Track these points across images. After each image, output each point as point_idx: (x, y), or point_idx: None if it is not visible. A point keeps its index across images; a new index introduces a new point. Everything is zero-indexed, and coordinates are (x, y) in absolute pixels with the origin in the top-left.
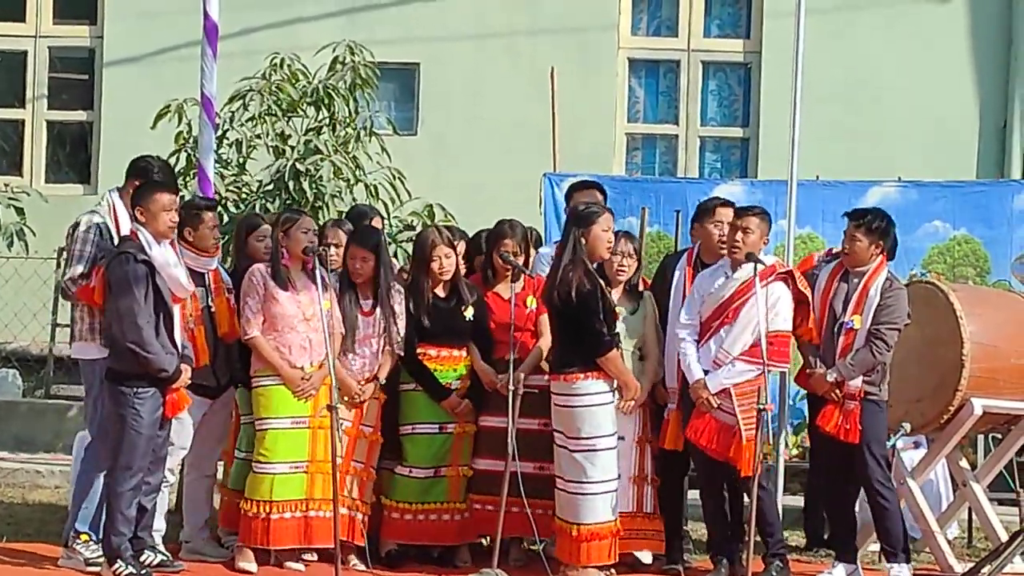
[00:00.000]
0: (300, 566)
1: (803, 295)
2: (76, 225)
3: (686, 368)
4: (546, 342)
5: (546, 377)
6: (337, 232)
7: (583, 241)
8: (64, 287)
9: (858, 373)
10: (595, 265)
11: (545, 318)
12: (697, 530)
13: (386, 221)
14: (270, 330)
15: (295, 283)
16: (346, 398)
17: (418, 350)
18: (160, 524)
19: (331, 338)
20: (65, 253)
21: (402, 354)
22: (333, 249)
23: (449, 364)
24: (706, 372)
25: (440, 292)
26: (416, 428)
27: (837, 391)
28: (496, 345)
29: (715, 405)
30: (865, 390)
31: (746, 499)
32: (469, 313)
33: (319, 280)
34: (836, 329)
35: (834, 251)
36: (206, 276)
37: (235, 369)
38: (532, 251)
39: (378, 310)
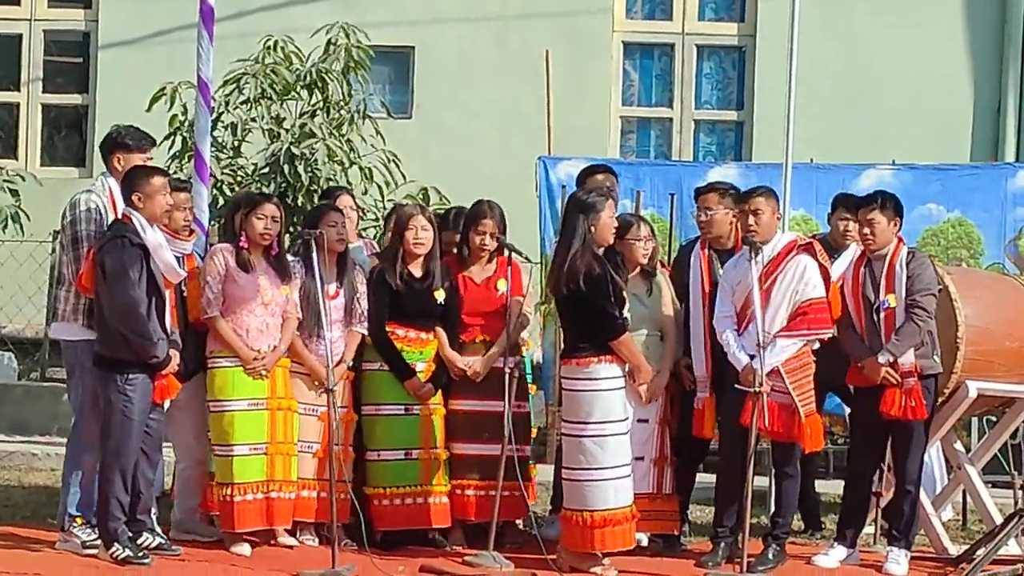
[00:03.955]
0: (292, 540)
1: (824, 268)
2: (74, 205)
3: (732, 357)
4: (513, 323)
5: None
6: (345, 198)
7: (593, 229)
8: (76, 282)
9: (908, 347)
10: (602, 250)
11: (517, 300)
12: (694, 512)
13: (379, 203)
14: (228, 312)
15: (256, 267)
16: (316, 383)
17: (387, 328)
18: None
19: (287, 323)
20: (66, 234)
21: (365, 332)
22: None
23: (416, 346)
24: (752, 356)
25: (415, 272)
26: (380, 409)
27: (893, 373)
28: (465, 328)
29: (769, 387)
30: (919, 365)
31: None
32: (440, 295)
33: (315, 265)
34: (874, 314)
35: (817, 237)
36: (181, 260)
37: (204, 354)
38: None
39: (342, 292)
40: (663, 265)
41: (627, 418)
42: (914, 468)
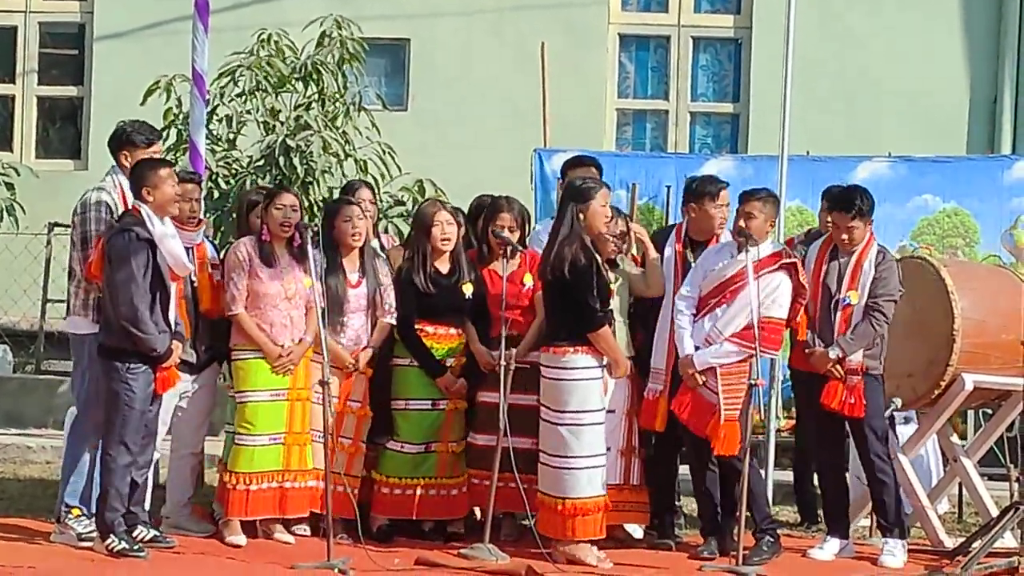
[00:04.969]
0: (289, 537)
1: (801, 290)
2: (85, 204)
3: (679, 340)
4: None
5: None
6: (364, 191)
7: (581, 217)
8: (85, 270)
9: (859, 347)
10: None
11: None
12: (688, 504)
13: (376, 196)
14: (252, 307)
15: (279, 260)
16: (339, 370)
17: (416, 326)
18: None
19: (311, 313)
20: (76, 231)
21: (394, 323)
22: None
23: (445, 342)
24: (697, 348)
25: (442, 268)
26: (409, 404)
27: (839, 368)
28: (493, 323)
29: (700, 382)
30: (866, 364)
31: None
32: (468, 289)
33: (310, 256)
34: (832, 306)
35: (811, 231)
36: (191, 251)
37: (217, 345)
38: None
39: (365, 281)
40: (635, 260)
41: (602, 409)
42: (879, 457)
